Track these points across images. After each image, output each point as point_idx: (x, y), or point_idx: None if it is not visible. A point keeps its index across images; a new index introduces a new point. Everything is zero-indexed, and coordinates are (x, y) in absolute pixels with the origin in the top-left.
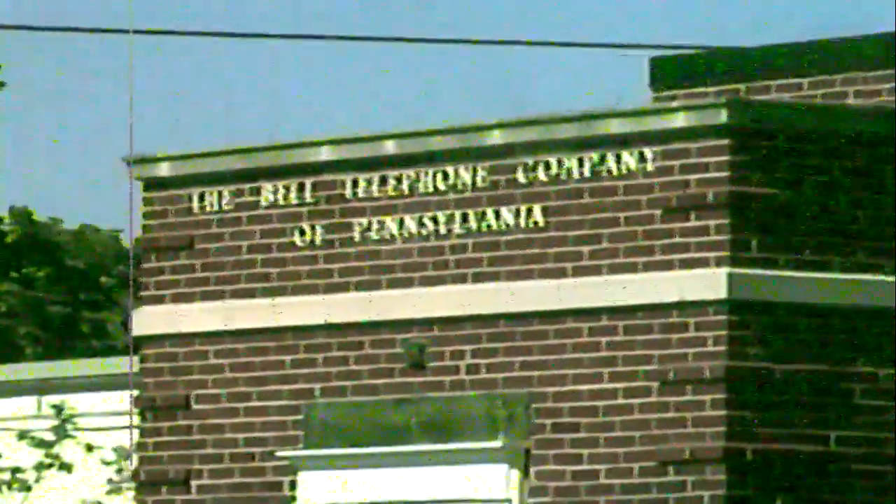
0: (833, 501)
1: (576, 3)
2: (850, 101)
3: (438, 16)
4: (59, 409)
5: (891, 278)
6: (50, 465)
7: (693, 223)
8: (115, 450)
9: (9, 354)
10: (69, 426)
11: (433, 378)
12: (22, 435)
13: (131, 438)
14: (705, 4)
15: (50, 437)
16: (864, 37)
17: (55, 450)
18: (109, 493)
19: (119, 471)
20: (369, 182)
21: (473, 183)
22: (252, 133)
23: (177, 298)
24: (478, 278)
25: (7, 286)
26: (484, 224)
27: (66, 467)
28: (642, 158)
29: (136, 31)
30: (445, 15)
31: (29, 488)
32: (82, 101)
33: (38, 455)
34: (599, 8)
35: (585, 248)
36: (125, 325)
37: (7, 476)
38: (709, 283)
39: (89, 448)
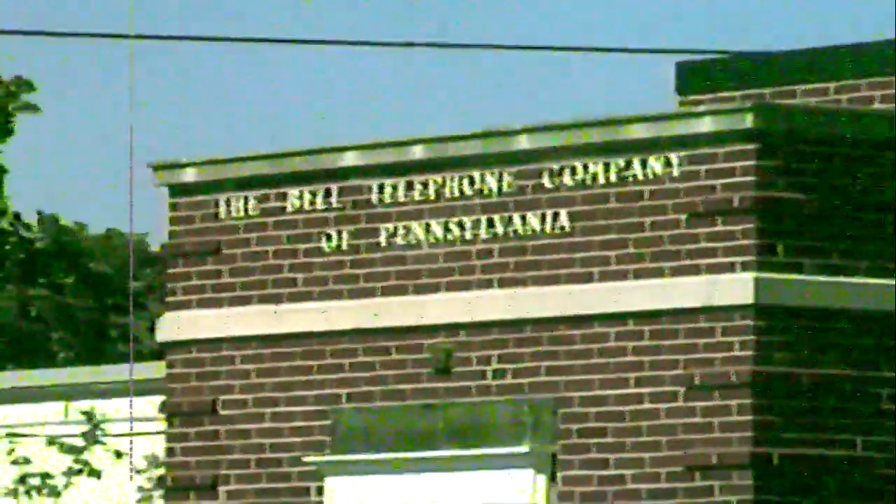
0: None
1: (602, 9)
2: (876, 105)
3: (464, 21)
4: (88, 415)
5: None
6: (79, 471)
7: (719, 228)
8: (145, 457)
9: (42, 360)
10: (98, 432)
11: (459, 383)
12: (51, 441)
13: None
14: (731, 10)
15: (79, 442)
16: (890, 41)
17: (84, 456)
18: (140, 501)
19: (149, 478)
20: (395, 187)
21: (500, 188)
22: (278, 139)
23: (203, 304)
24: (504, 283)
25: (36, 291)
26: (510, 229)
27: (95, 473)
28: (668, 163)
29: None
30: (472, 20)
31: (58, 494)
32: (108, 107)
33: (68, 461)
34: (625, 13)
35: (612, 253)
36: (153, 329)
37: (37, 481)
38: (735, 287)
39: (118, 454)
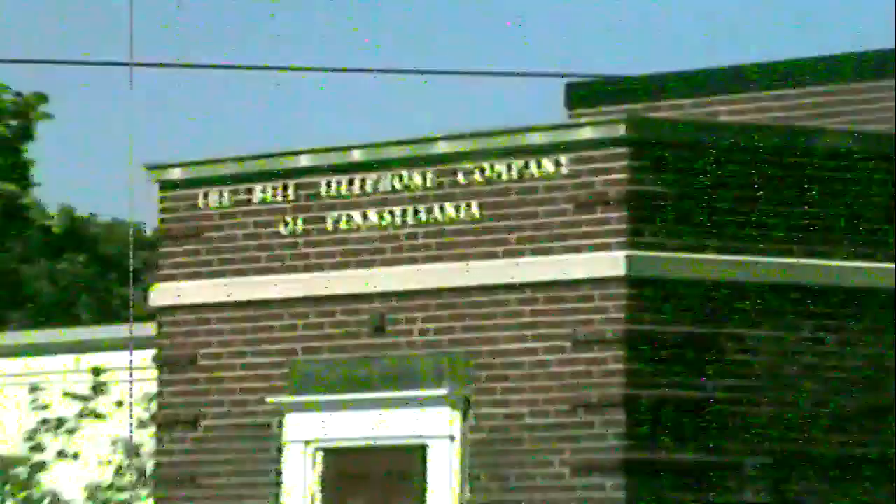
0: (709, 437)
1: (511, 39)
2: (723, 118)
3: (400, 48)
4: (96, 370)
5: (756, 258)
6: (87, 415)
7: (598, 215)
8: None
9: (68, 320)
10: (103, 384)
11: (392, 340)
12: (66, 392)
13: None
14: (614, 38)
15: (87, 392)
16: (735, 66)
17: (92, 403)
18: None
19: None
20: (340, 183)
21: (423, 184)
22: (246, 143)
23: (187, 277)
24: (427, 260)
25: (62, 266)
26: (432, 217)
27: (100, 417)
28: (558, 164)
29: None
30: (404, 48)
31: (71, 432)
32: (115, 119)
33: (78, 406)
34: (529, 42)
35: (512, 236)
36: (145, 299)
37: (54, 423)
38: (611, 263)
39: (119, 404)
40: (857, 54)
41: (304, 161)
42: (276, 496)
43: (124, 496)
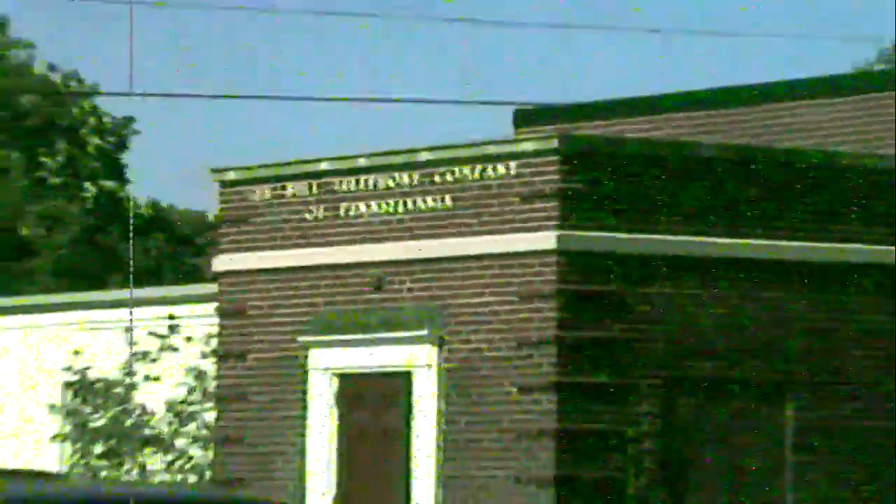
0: (617, 365)
1: (471, 74)
2: (628, 135)
3: (399, 79)
4: (171, 315)
5: (652, 236)
6: (166, 349)
7: (537, 205)
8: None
9: (154, 282)
10: (176, 327)
11: (388, 295)
12: (150, 332)
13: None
14: (551, 73)
15: (165, 332)
16: (639, 97)
17: (168, 340)
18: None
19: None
20: (349, 182)
21: (410, 182)
22: (283, 151)
23: (238, 250)
24: (413, 238)
25: (150, 243)
26: (417, 206)
27: (174, 349)
28: (507, 168)
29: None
30: (403, 78)
31: (154, 361)
32: (187, 134)
33: (158, 343)
34: (485, 77)
35: (475, 220)
36: (209, 266)
37: (141, 355)
38: (546, 239)
39: (188, 339)
40: (713, 89)
41: (324, 166)
42: (304, 409)
43: (194, 408)
